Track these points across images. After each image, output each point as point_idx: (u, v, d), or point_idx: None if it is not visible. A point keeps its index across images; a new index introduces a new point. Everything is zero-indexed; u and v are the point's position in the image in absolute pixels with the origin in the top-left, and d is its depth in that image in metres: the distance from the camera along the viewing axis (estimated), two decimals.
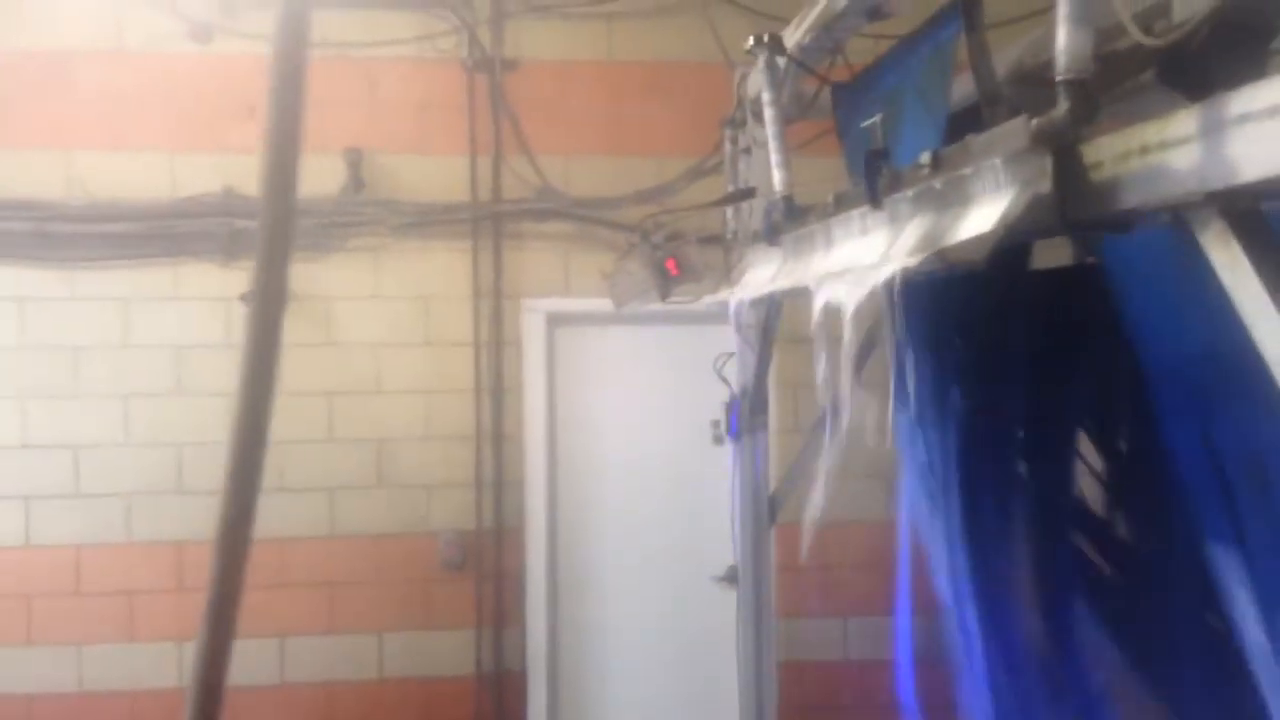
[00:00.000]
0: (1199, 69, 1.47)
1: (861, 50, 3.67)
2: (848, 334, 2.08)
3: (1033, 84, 2.46)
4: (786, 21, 3.61)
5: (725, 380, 3.93)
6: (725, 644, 4.05)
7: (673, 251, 3.55)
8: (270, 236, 1.23)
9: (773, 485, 3.93)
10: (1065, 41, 1.42)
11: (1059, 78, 1.43)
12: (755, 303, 3.46)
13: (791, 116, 3.75)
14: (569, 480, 5.52)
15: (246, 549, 1.17)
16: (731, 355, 3.89)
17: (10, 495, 5.07)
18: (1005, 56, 3.05)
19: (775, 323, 3.78)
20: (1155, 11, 2.28)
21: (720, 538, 4.13)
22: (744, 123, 3.78)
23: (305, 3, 1.21)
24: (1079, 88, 1.42)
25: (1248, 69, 1.41)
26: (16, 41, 5.13)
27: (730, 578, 4.41)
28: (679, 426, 5.43)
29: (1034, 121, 1.49)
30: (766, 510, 3.90)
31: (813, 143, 3.82)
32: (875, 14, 2.96)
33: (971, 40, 2.06)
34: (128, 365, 5.13)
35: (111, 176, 5.14)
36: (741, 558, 3.93)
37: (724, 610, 4.26)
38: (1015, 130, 1.55)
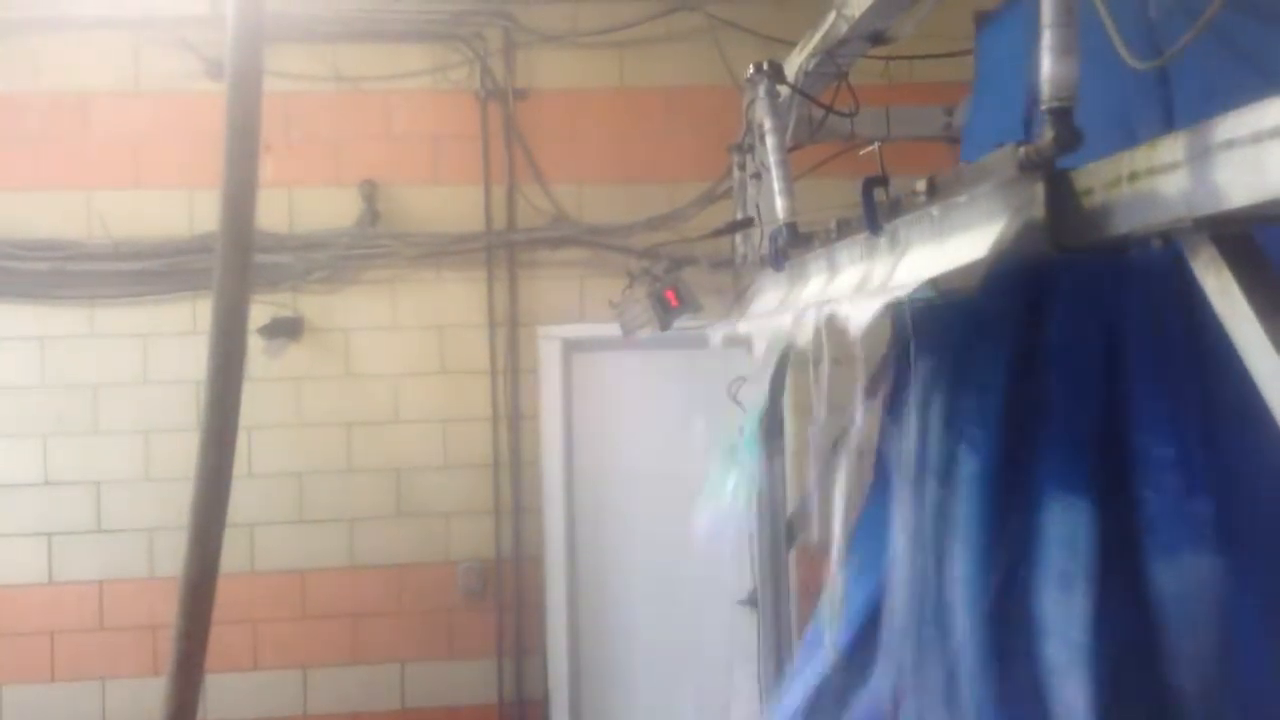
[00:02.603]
0: None
1: (869, 73, 3.69)
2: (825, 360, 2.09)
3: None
4: (795, 46, 3.62)
5: (740, 404, 3.92)
6: (749, 669, 4.03)
7: (672, 283, 3.55)
8: (228, 265, 1.24)
9: (790, 508, 3.92)
10: (1050, 70, 1.43)
11: (1043, 106, 1.44)
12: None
13: (800, 141, 3.76)
14: (587, 506, 5.51)
15: (210, 608, 1.18)
16: (745, 379, 3.88)
17: (33, 532, 5.12)
18: None
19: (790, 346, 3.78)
20: None
21: (742, 561, 4.11)
22: (752, 147, 3.79)
23: (257, 45, 1.23)
24: (1063, 115, 1.42)
25: None
26: (36, 84, 5.21)
27: (752, 601, 4.38)
28: (697, 450, 5.41)
29: (1021, 149, 1.49)
30: (784, 533, 3.88)
31: (822, 166, 3.83)
32: (877, 39, 2.97)
33: None
34: (148, 401, 5.17)
35: (131, 214, 5.20)
36: (760, 581, 3.92)
37: (747, 634, 4.24)
38: (1004, 158, 1.55)
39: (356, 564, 5.28)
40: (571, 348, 5.48)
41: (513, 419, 5.37)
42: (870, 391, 3.21)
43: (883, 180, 2.12)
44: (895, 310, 2.17)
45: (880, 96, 3.79)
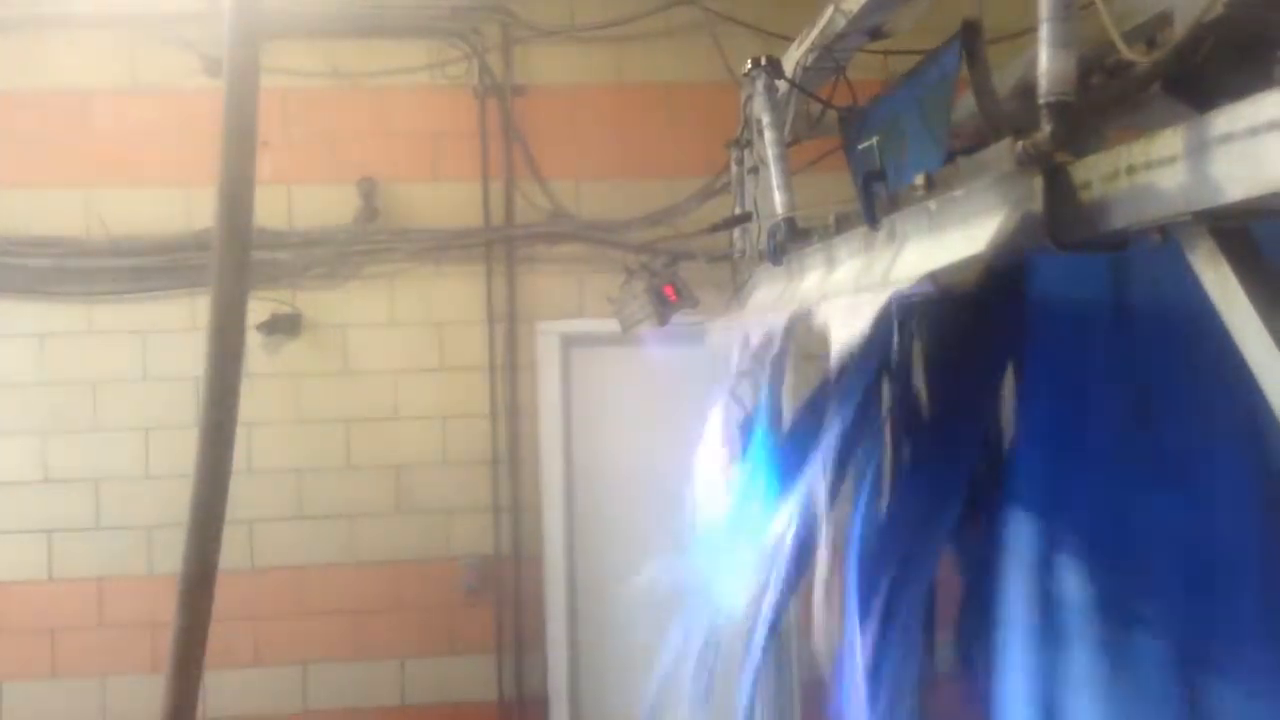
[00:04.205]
0: (1206, 80, 1.46)
1: (867, 68, 3.69)
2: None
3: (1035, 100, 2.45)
4: (793, 41, 3.62)
5: (739, 402, 3.91)
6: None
7: (670, 278, 3.55)
8: (225, 258, 1.25)
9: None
10: (1047, 64, 1.42)
11: (1041, 100, 1.43)
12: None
13: (799, 135, 3.76)
14: (586, 502, 5.51)
15: (209, 605, 1.18)
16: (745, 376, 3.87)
17: (32, 529, 5.12)
18: (1008, 73, 3.04)
19: (788, 341, 3.77)
20: (1158, 22, 2.27)
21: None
22: (750, 142, 3.79)
23: (253, 41, 1.23)
24: (1062, 109, 1.42)
25: (1257, 78, 1.39)
26: (34, 82, 5.21)
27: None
28: (696, 446, 5.40)
29: (1019, 144, 1.49)
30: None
31: (821, 160, 3.83)
32: (875, 34, 2.97)
33: (974, 72, 2.05)
34: (147, 398, 5.17)
35: (129, 211, 5.20)
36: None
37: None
38: (1002, 152, 1.55)
39: (356, 560, 5.28)
40: (570, 343, 5.47)
41: (512, 415, 5.37)
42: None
43: (881, 175, 2.12)
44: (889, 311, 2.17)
45: (878, 91, 3.78)
